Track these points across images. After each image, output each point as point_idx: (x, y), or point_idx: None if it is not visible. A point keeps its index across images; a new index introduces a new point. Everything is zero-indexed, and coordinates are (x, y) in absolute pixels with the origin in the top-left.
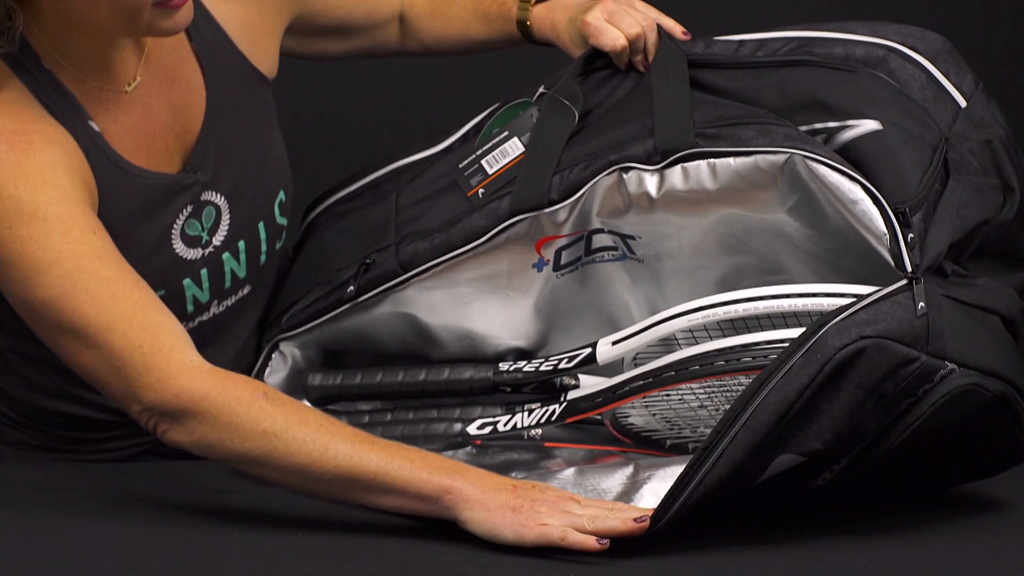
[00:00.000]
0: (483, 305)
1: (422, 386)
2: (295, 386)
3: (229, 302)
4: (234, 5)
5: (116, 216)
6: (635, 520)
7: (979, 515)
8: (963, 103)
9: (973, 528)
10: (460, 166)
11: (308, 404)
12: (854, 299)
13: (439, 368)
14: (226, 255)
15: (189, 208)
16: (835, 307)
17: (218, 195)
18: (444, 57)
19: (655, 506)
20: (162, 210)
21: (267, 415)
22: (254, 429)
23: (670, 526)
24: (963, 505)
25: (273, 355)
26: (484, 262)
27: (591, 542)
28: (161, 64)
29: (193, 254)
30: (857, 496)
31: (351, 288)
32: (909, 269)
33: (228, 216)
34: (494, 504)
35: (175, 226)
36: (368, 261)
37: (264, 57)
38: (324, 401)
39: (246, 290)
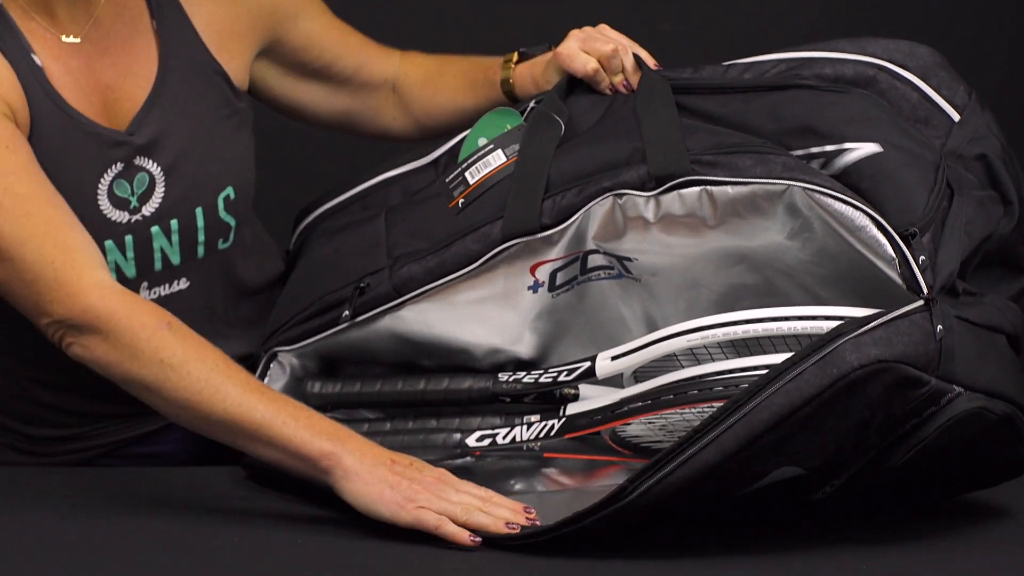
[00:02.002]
0: (480, 324)
1: (421, 395)
2: (294, 394)
3: (162, 291)
4: (207, 4)
5: (43, 153)
6: (507, 524)
7: (980, 523)
8: (956, 117)
9: (974, 536)
10: (446, 180)
11: (211, 344)
12: (873, 313)
13: (438, 378)
14: (155, 229)
15: (119, 166)
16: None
17: (154, 164)
18: (431, 136)
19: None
20: (90, 160)
21: (167, 345)
22: (152, 357)
23: (642, 504)
24: (964, 513)
25: (272, 364)
26: (479, 284)
27: (464, 537)
28: (113, 30)
29: (119, 216)
30: (858, 503)
31: (346, 312)
32: (925, 291)
33: (163, 189)
34: (372, 478)
35: (102, 181)
36: (362, 285)
37: (231, 60)
38: (323, 409)
39: (181, 283)
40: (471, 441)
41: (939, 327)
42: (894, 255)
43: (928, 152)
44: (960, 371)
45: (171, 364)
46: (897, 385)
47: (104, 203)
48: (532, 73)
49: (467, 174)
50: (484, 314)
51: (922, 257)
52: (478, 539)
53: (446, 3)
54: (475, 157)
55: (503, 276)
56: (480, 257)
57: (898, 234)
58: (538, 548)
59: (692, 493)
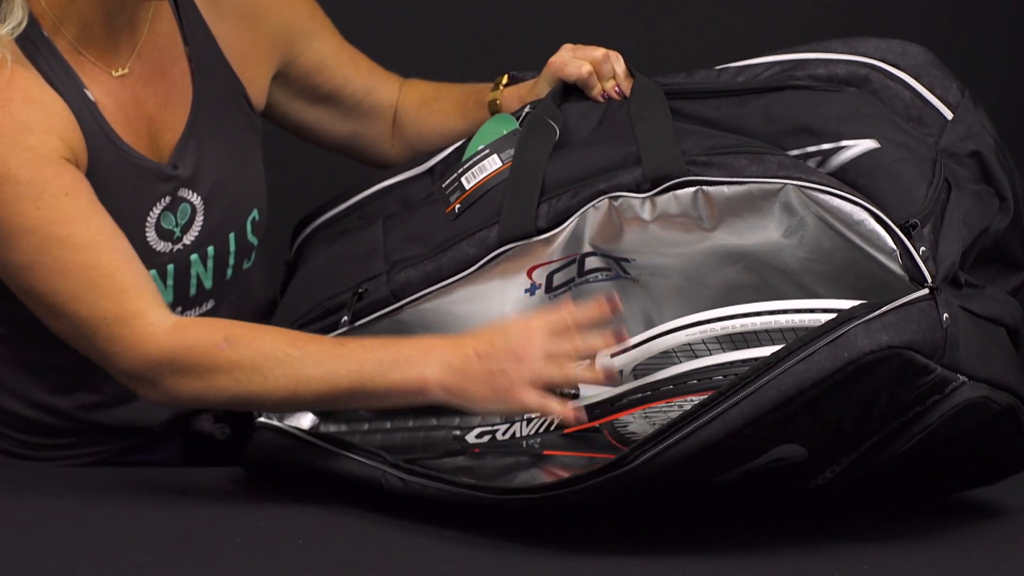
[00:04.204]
0: (478, 325)
1: None
2: None
3: (192, 314)
4: (229, 25)
5: (98, 187)
6: (606, 375)
7: (981, 522)
8: (949, 115)
9: (976, 535)
10: (443, 185)
11: (269, 330)
12: (880, 300)
13: None
14: (194, 257)
15: (167, 199)
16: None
17: (195, 195)
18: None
19: None
20: (141, 194)
21: (234, 363)
22: (226, 377)
23: (643, 473)
24: (965, 512)
25: None
26: (476, 288)
27: (569, 416)
28: (153, 59)
29: (163, 247)
30: (859, 500)
31: (345, 317)
32: (929, 280)
33: (202, 218)
34: (470, 386)
35: (151, 215)
36: (360, 290)
37: (252, 81)
38: (324, 412)
39: (210, 305)
40: (471, 438)
41: (945, 315)
42: (894, 247)
43: (923, 147)
44: (964, 360)
45: (247, 376)
46: (904, 371)
47: (151, 235)
48: (519, 94)
49: (463, 179)
50: (482, 318)
51: (923, 248)
52: (583, 416)
53: (447, 9)
54: (471, 162)
55: (500, 280)
56: (476, 261)
57: (898, 226)
58: (537, 546)
59: (692, 467)
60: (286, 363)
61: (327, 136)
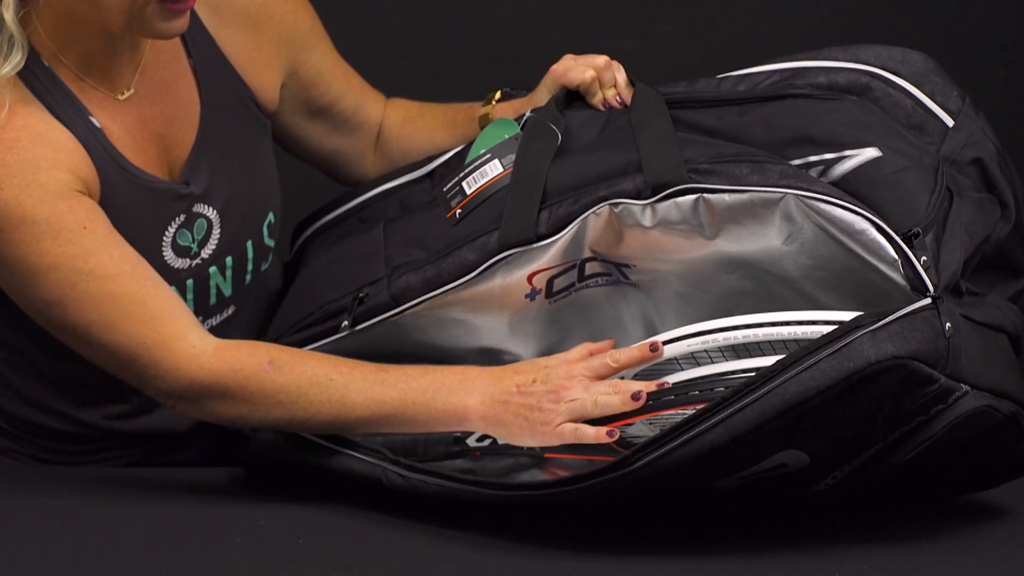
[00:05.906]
0: (478, 332)
1: None
2: None
3: (214, 321)
4: (234, 31)
5: (111, 213)
6: (632, 396)
7: (981, 524)
8: (950, 123)
9: (976, 537)
10: (444, 189)
11: (313, 356)
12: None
13: None
14: (213, 269)
15: (182, 218)
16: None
17: (210, 209)
18: None
19: None
20: (155, 216)
21: (278, 387)
22: (271, 402)
23: (644, 475)
24: (965, 513)
25: None
26: (476, 294)
27: (602, 436)
28: (157, 77)
29: (181, 264)
30: (860, 502)
31: (346, 322)
32: (931, 290)
33: (219, 231)
34: (506, 418)
35: (167, 234)
36: (361, 295)
37: (261, 86)
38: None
39: (230, 310)
40: (471, 441)
41: (948, 325)
42: (896, 257)
43: (926, 156)
44: (967, 369)
45: (291, 401)
46: (909, 381)
47: (168, 254)
48: (515, 107)
49: (464, 184)
50: (482, 323)
51: (924, 257)
52: (615, 435)
53: (447, 7)
54: (472, 167)
55: (500, 285)
56: (477, 267)
57: (900, 235)
58: (537, 547)
59: (694, 470)
60: (330, 388)
61: (311, 150)
